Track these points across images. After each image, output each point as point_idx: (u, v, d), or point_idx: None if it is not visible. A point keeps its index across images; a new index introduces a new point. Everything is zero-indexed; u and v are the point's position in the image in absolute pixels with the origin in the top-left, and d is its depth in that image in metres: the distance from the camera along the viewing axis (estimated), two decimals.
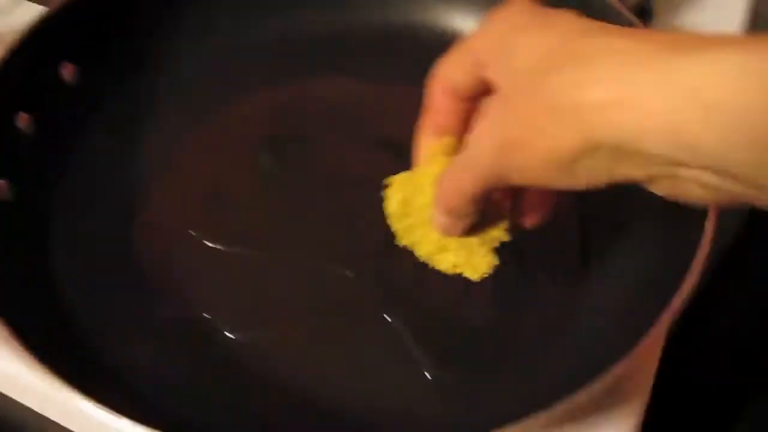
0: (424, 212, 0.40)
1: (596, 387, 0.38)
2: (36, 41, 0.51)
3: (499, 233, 0.41)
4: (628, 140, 0.29)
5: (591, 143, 0.30)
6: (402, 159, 0.43)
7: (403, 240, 0.42)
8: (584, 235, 0.49)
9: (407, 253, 0.46)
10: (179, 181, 0.52)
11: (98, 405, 0.37)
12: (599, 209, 0.49)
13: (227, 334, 0.45)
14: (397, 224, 0.42)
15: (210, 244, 0.49)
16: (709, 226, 0.42)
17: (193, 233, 0.49)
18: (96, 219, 0.50)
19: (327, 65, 0.57)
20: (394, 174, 0.42)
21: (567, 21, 0.32)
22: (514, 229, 0.41)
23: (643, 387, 0.45)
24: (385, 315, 0.46)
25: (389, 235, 0.48)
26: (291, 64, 0.57)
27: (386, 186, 0.42)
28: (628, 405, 0.44)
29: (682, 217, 0.43)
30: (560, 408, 0.37)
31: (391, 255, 0.46)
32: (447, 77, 0.38)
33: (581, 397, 0.38)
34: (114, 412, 0.36)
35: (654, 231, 0.47)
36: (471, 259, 0.41)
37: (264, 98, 0.56)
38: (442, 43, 0.57)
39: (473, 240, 0.40)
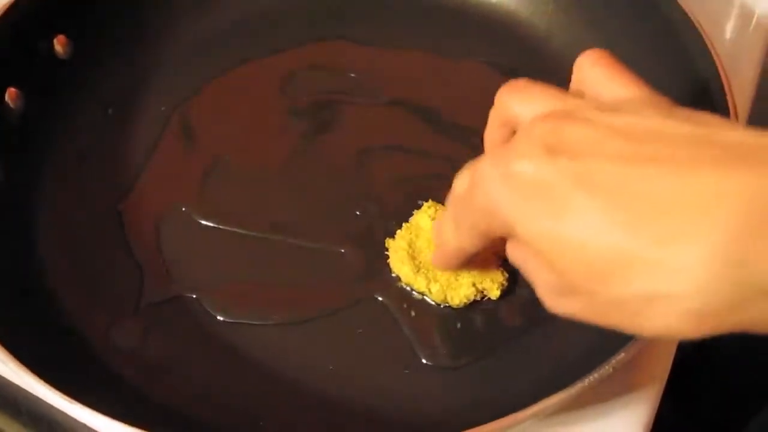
0: (428, 250, 0.43)
1: (606, 370, 0.35)
2: (26, 12, 0.49)
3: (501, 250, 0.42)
4: None
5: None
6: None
7: (416, 283, 0.43)
8: None
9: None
10: (173, 155, 0.50)
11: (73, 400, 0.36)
12: None
13: (216, 315, 0.44)
14: (406, 267, 0.43)
15: (202, 222, 0.47)
16: None
17: (184, 209, 0.47)
18: (85, 196, 0.48)
19: (326, 31, 0.55)
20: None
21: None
22: None
23: (659, 376, 0.43)
24: (378, 296, 0.43)
25: (386, 213, 0.46)
26: (288, 32, 0.55)
27: (387, 248, 0.44)
28: (642, 393, 0.42)
29: None
30: (568, 393, 0.35)
31: (388, 232, 0.45)
32: None
33: (589, 381, 0.35)
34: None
35: None
36: (485, 275, 0.42)
37: (264, 67, 0.54)
38: (440, 5, 0.55)
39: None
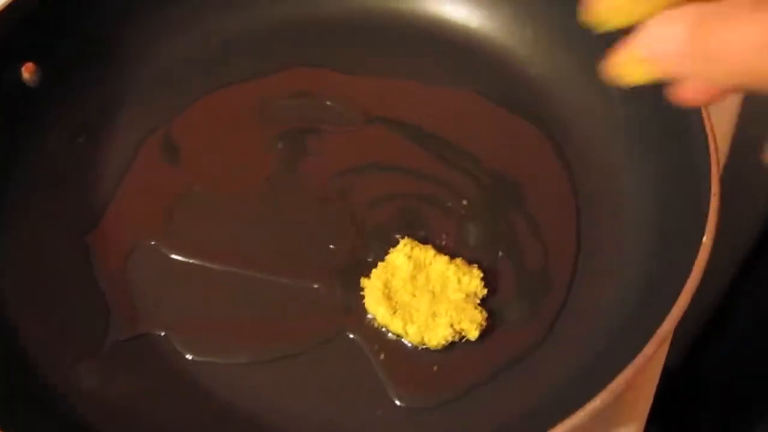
0: (404, 290, 0.42)
1: (580, 418, 0.34)
2: None
3: (479, 289, 0.43)
4: None
5: None
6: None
7: (393, 325, 0.42)
8: (578, 241, 0.46)
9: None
10: (144, 185, 0.49)
11: None
12: (595, 214, 0.46)
13: (184, 353, 0.42)
14: (382, 308, 0.42)
15: (172, 255, 0.46)
16: (709, 228, 0.38)
17: (153, 242, 0.46)
18: (51, 227, 0.47)
19: (307, 58, 0.54)
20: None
21: None
22: None
23: (643, 402, 0.42)
24: (352, 335, 0.42)
25: (362, 247, 0.45)
26: (267, 58, 0.54)
27: (362, 286, 0.43)
28: (628, 418, 0.42)
29: (681, 223, 0.40)
30: None
31: (364, 267, 0.44)
32: None
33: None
34: None
35: (652, 243, 0.43)
36: (464, 316, 0.41)
37: (241, 94, 0.52)
38: (419, 33, 0.54)
39: (458, 299, 0.42)
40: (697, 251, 0.37)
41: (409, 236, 0.45)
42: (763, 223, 0.72)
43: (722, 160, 0.49)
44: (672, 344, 0.44)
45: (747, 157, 0.63)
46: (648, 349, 0.35)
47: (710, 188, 0.39)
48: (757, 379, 0.72)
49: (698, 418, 0.79)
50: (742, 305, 0.76)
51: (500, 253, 0.45)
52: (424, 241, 0.45)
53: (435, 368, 0.41)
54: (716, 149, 0.41)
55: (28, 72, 0.50)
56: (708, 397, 0.79)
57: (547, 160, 0.49)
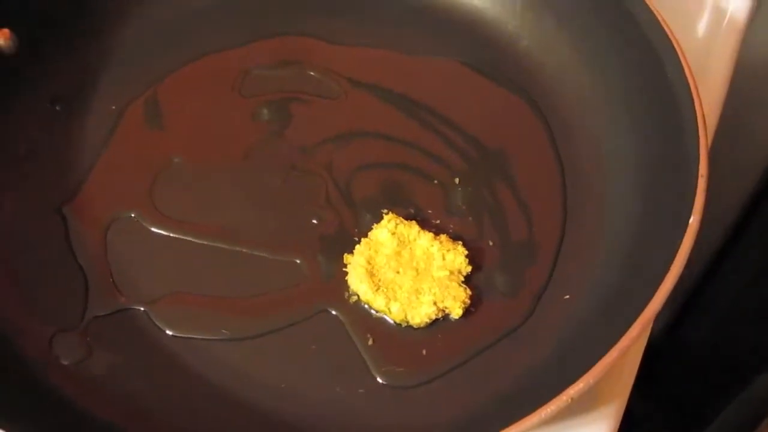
0: (388, 267, 0.42)
1: (564, 401, 0.34)
2: None
3: (463, 266, 0.42)
4: None
5: None
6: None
7: (375, 302, 0.41)
8: (564, 213, 0.46)
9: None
10: (123, 156, 0.48)
11: None
12: (581, 187, 0.46)
13: (164, 329, 0.42)
14: (365, 285, 0.41)
15: (152, 229, 0.45)
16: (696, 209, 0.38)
17: (133, 215, 0.45)
18: (28, 198, 0.46)
19: (289, 26, 0.53)
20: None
21: None
22: None
23: (622, 391, 0.42)
24: (334, 311, 0.42)
25: (344, 224, 0.45)
26: (248, 26, 0.53)
27: (345, 262, 0.43)
28: (606, 408, 0.41)
29: (662, 222, 0.40)
30: (522, 427, 0.34)
31: (347, 243, 0.43)
32: None
33: (546, 413, 0.34)
34: None
35: (639, 218, 0.43)
36: (447, 293, 0.41)
37: (221, 63, 0.52)
38: (406, 4, 0.53)
39: (442, 277, 0.41)
40: (683, 231, 0.37)
41: (394, 210, 0.44)
42: (747, 198, 0.72)
43: (710, 136, 0.49)
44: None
45: (734, 130, 0.63)
46: (633, 331, 0.34)
47: (698, 168, 0.39)
48: (739, 349, 0.73)
49: (680, 389, 0.79)
50: (726, 274, 0.76)
51: (485, 226, 0.45)
52: (409, 217, 0.44)
53: (424, 352, 0.40)
54: (704, 124, 0.41)
55: (3, 38, 0.48)
56: (690, 367, 0.79)
57: (533, 133, 0.49)
